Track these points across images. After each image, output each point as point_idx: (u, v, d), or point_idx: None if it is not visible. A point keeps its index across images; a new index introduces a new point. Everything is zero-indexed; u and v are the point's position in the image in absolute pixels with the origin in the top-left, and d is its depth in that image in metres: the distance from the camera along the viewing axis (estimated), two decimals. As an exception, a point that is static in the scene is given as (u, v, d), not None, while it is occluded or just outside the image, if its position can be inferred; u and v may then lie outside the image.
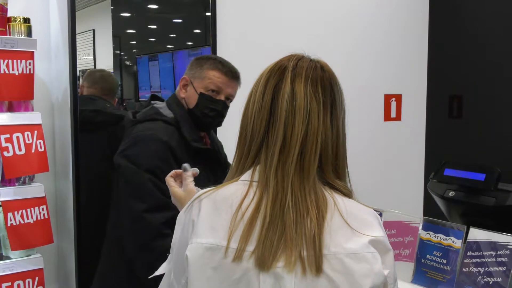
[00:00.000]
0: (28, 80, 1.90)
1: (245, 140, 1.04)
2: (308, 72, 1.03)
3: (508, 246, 1.62)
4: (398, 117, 3.65)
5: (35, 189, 1.93)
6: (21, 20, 1.94)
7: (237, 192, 1.00)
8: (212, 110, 1.85)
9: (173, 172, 1.38)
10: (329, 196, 0.99)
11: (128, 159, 1.69)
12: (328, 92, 1.02)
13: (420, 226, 1.85)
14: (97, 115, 2.34)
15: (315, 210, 0.95)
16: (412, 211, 2.03)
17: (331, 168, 1.01)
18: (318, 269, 0.92)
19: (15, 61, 1.85)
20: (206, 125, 1.90)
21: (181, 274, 1.03)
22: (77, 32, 2.22)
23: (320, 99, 1.00)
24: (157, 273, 1.13)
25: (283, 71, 1.03)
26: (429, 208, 2.98)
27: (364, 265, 0.94)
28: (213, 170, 1.81)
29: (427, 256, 1.79)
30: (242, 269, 0.95)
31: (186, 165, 1.36)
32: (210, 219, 1.00)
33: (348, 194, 1.02)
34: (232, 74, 1.91)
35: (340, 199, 0.99)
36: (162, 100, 1.95)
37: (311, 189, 0.97)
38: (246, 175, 1.03)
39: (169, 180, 1.36)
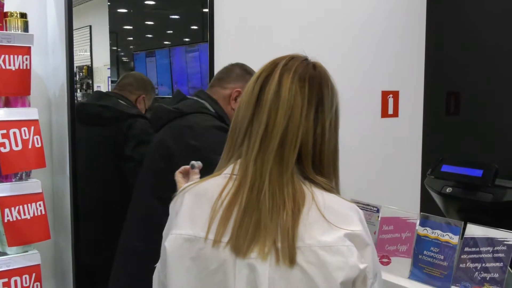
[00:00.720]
0: (24, 75, 1.89)
1: (233, 134, 1.08)
2: (297, 68, 1.05)
3: (505, 242, 1.63)
4: (396, 114, 3.66)
5: (32, 185, 1.93)
6: (18, 15, 1.93)
7: (218, 184, 1.03)
8: None
9: (182, 168, 1.40)
10: (307, 190, 1.00)
11: (205, 145, 1.69)
12: (315, 90, 1.04)
13: (418, 222, 1.85)
14: (104, 110, 2.33)
15: (292, 202, 0.97)
16: (409, 207, 2.03)
17: (312, 164, 1.03)
18: (291, 261, 0.94)
19: (11, 56, 1.84)
20: None
21: (163, 267, 1.06)
22: (73, 28, 2.21)
23: (305, 95, 1.02)
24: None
25: (274, 67, 1.06)
26: (426, 204, 2.98)
27: (338, 258, 0.95)
28: None
29: (424, 252, 1.79)
30: (219, 259, 0.98)
31: (194, 162, 1.38)
32: (190, 211, 1.03)
33: (329, 189, 1.03)
34: None
35: (319, 194, 1.01)
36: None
37: (288, 180, 0.98)
38: (228, 169, 1.05)
39: (178, 175, 1.38)
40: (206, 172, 1.35)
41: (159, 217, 1.71)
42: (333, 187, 1.05)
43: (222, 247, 0.98)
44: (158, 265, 1.11)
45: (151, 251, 1.75)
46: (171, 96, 2.85)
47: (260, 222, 0.96)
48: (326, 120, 1.04)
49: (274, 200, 0.97)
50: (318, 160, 1.04)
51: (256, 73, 1.09)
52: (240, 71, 1.98)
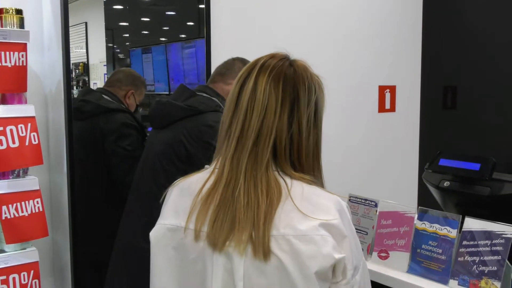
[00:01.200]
0: (21, 72, 1.88)
1: (220, 132, 1.12)
2: (273, 68, 1.07)
3: (503, 235, 1.63)
4: (393, 109, 3.66)
5: (29, 182, 1.92)
6: (13, 12, 1.91)
7: (201, 178, 1.09)
8: None
9: None
10: (283, 184, 1.03)
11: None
12: (289, 89, 1.06)
13: (416, 216, 1.85)
14: (84, 105, 2.34)
15: (266, 197, 1.00)
16: (406, 201, 2.04)
17: (289, 161, 1.06)
18: (266, 251, 0.97)
19: (7, 53, 1.83)
20: None
21: (150, 258, 1.13)
22: (69, 24, 2.20)
23: (279, 95, 1.05)
24: None
25: (253, 67, 1.10)
26: (424, 198, 2.99)
27: (311, 247, 0.97)
28: None
29: (423, 246, 1.79)
30: (199, 249, 1.03)
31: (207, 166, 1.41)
32: (174, 203, 1.10)
33: (310, 183, 1.06)
34: None
35: (299, 187, 1.03)
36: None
37: (262, 177, 1.02)
38: (212, 164, 1.11)
39: None
40: None
41: None
42: (314, 181, 1.07)
43: (201, 237, 1.03)
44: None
45: None
46: (167, 93, 2.84)
47: (236, 217, 1.00)
48: (303, 118, 1.07)
49: (249, 197, 1.00)
50: (296, 157, 1.07)
51: (238, 73, 1.13)
52: (241, 66, 1.93)
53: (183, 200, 1.09)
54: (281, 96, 1.05)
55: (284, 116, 1.05)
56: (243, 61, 1.99)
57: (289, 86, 1.07)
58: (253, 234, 0.98)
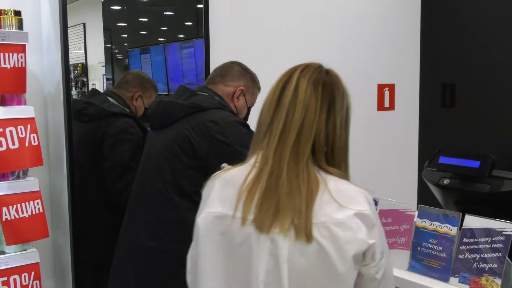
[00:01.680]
0: (20, 73, 1.88)
1: (258, 130, 1.23)
2: (312, 74, 1.21)
3: (503, 233, 1.63)
4: (392, 107, 3.66)
5: (29, 183, 1.92)
6: (12, 13, 1.92)
7: (243, 171, 1.19)
8: None
9: None
10: (321, 177, 1.15)
11: (233, 140, 1.76)
12: (327, 93, 1.20)
13: (416, 214, 1.86)
14: (88, 107, 2.32)
15: (306, 187, 1.12)
16: (406, 199, 2.04)
17: (324, 156, 1.18)
18: (308, 235, 1.09)
19: (6, 54, 1.83)
20: None
21: (195, 242, 1.25)
22: (68, 25, 2.20)
23: (319, 97, 1.18)
24: None
25: (292, 73, 1.23)
26: (423, 196, 3.00)
27: (348, 233, 1.10)
28: None
29: (423, 244, 1.80)
30: (244, 234, 1.14)
31: (224, 164, 1.47)
32: (219, 193, 1.20)
33: (341, 177, 1.18)
34: None
35: (332, 180, 1.16)
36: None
37: (304, 169, 1.13)
38: (252, 160, 1.21)
39: None
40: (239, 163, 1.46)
41: (181, 212, 1.75)
42: (343, 175, 1.20)
43: (247, 223, 1.13)
44: (192, 244, 1.27)
45: (168, 250, 1.77)
46: (166, 93, 2.84)
47: (279, 203, 1.11)
48: (337, 119, 1.20)
49: (291, 185, 1.12)
50: (330, 153, 1.19)
51: (277, 79, 1.25)
52: (240, 69, 2.04)
53: (227, 191, 1.19)
54: (321, 98, 1.18)
55: (322, 116, 1.18)
56: (240, 65, 2.06)
57: (327, 90, 1.20)
58: (295, 220, 1.09)
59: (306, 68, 1.23)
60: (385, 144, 3.59)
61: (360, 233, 1.11)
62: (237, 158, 1.65)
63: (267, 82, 2.49)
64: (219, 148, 1.76)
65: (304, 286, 1.11)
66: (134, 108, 2.46)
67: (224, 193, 1.20)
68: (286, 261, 1.10)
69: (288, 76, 1.23)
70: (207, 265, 1.20)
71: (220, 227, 1.17)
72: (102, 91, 2.60)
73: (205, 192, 1.26)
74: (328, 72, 1.25)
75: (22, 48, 1.89)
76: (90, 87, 2.66)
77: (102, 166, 2.27)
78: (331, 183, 1.15)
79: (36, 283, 1.94)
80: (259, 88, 2.10)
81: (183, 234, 1.77)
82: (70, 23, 2.21)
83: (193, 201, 1.75)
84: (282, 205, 1.11)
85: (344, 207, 1.12)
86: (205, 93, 1.94)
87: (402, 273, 1.77)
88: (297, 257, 1.10)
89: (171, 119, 1.86)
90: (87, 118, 2.30)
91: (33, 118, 1.91)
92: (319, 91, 1.19)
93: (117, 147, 2.23)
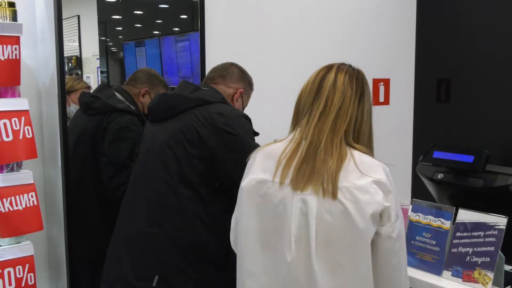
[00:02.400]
0: (14, 65, 1.87)
1: (297, 112, 1.47)
2: (348, 70, 1.46)
3: (496, 227, 1.64)
4: (387, 102, 3.67)
5: (23, 176, 1.91)
6: (6, 4, 1.90)
7: (281, 145, 1.44)
8: None
9: None
10: (349, 150, 1.38)
11: (238, 131, 1.85)
12: (360, 86, 1.45)
13: (410, 208, 1.86)
14: (94, 101, 2.32)
15: (337, 156, 1.35)
16: (400, 193, 2.03)
17: (352, 135, 1.41)
18: (334, 196, 1.31)
19: (0, 46, 1.82)
20: None
21: (238, 204, 1.49)
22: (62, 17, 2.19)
23: (353, 88, 1.43)
24: None
25: (331, 68, 1.47)
26: (418, 190, 3.01)
27: (367, 196, 1.31)
28: None
29: (417, 238, 1.81)
30: (281, 195, 1.38)
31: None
32: (261, 163, 1.45)
33: (365, 152, 1.41)
34: None
35: (357, 153, 1.38)
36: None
37: (337, 143, 1.37)
38: (290, 136, 1.45)
39: None
40: (245, 153, 1.59)
41: (183, 201, 1.80)
42: (367, 152, 1.42)
43: (284, 186, 1.37)
44: (236, 206, 1.52)
45: (168, 236, 1.80)
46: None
47: (315, 168, 1.34)
48: (365, 108, 1.45)
49: (326, 154, 1.35)
50: (356, 134, 1.43)
51: (314, 73, 1.48)
52: (239, 72, 2.14)
53: (267, 162, 1.43)
54: (355, 89, 1.43)
55: (355, 103, 1.42)
56: (239, 68, 2.15)
57: (359, 84, 1.45)
58: (324, 184, 1.32)
59: (341, 65, 1.48)
60: (380, 139, 3.56)
61: (377, 196, 1.32)
62: (242, 147, 1.81)
63: (262, 74, 2.51)
64: (225, 138, 1.81)
65: (328, 239, 1.32)
66: (141, 105, 2.45)
67: (265, 162, 1.44)
68: (314, 218, 1.32)
69: (326, 70, 1.46)
70: (248, 222, 1.44)
71: (260, 191, 1.41)
72: (110, 85, 2.59)
73: (249, 163, 1.50)
74: (358, 71, 1.49)
75: (16, 40, 1.87)
76: (85, 80, 2.65)
77: (93, 159, 2.27)
78: (356, 156, 1.37)
79: (30, 276, 1.93)
80: (252, 90, 2.21)
81: (184, 222, 1.81)
82: (64, 15, 2.20)
83: (196, 191, 1.82)
84: (316, 169, 1.34)
85: (365, 175, 1.33)
86: (208, 89, 2.01)
87: (395, 266, 1.78)
88: (324, 215, 1.31)
89: (177, 110, 1.91)
90: (92, 111, 2.31)
91: (27, 111, 1.90)
92: (354, 83, 1.44)
93: (116, 144, 2.23)
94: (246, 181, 1.46)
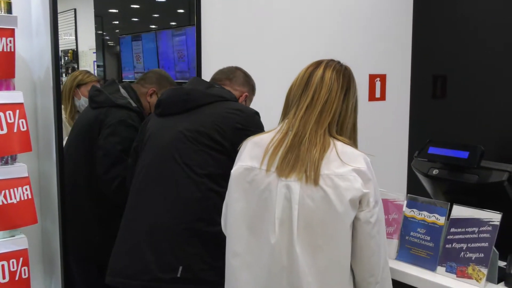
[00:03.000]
0: (9, 58, 1.86)
1: (286, 104, 1.57)
2: (336, 66, 1.55)
3: (490, 223, 1.65)
4: (383, 97, 3.67)
5: (18, 169, 1.91)
6: (1, -3, 1.89)
7: (269, 135, 1.54)
8: None
9: None
10: (332, 141, 1.47)
11: (254, 127, 1.91)
12: (346, 81, 1.54)
13: (405, 203, 1.87)
14: (98, 95, 2.34)
15: (320, 146, 1.44)
16: (396, 189, 2.05)
17: (335, 128, 1.50)
18: (315, 182, 1.41)
19: (-5, 38, 1.81)
20: None
21: (228, 189, 1.59)
22: (58, 11, 2.17)
23: (340, 83, 1.52)
24: None
25: (320, 63, 1.56)
26: (413, 186, 3.01)
27: (347, 183, 1.41)
28: None
29: (411, 233, 1.81)
30: (267, 182, 1.48)
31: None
32: (250, 151, 1.55)
33: (347, 144, 1.49)
34: None
35: (340, 144, 1.47)
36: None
37: (321, 134, 1.46)
38: (278, 127, 1.55)
39: None
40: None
41: (205, 192, 1.86)
42: (350, 143, 1.50)
43: (270, 173, 1.48)
44: (227, 192, 1.61)
45: (189, 228, 1.84)
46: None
47: (299, 157, 1.44)
48: (349, 103, 1.54)
49: (310, 144, 1.44)
50: (340, 127, 1.52)
51: (305, 67, 1.57)
52: (244, 76, 2.25)
53: (256, 150, 1.53)
54: (341, 84, 1.52)
55: (341, 97, 1.51)
56: (244, 72, 2.26)
57: (345, 80, 1.54)
58: (307, 171, 1.42)
59: (330, 62, 1.57)
60: (376, 134, 3.60)
61: (356, 183, 1.41)
62: None
63: (259, 69, 2.50)
64: (242, 133, 1.87)
65: (310, 223, 1.42)
66: (148, 105, 2.45)
67: (253, 151, 1.54)
68: (297, 203, 1.42)
69: (315, 66, 1.55)
70: (236, 206, 1.54)
71: (248, 177, 1.52)
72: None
73: (239, 151, 1.60)
74: (346, 68, 1.58)
75: (11, 32, 1.86)
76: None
77: (90, 152, 2.27)
78: (339, 146, 1.46)
79: (24, 269, 1.93)
80: (254, 94, 2.32)
81: (204, 213, 1.85)
82: (60, 8, 2.19)
83: (216, 182, 1.87)
84: (300, 158, 1.44)
85: (346, 164, 1.43)
86: (220, 87, 2.11)
87: (390, 262, 1.77)
88: (306, 200, 1.41)
89: (193, 104, 1.98)
90: (95, 105, 2.33)
91: (22, 104, 1.89)
92: (340, 79, 1.53)
93: (111, 138, 2.22)
94: (235, 168, 1.56)
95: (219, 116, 1.94)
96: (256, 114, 2.02)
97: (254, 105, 2.45)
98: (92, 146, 2.26)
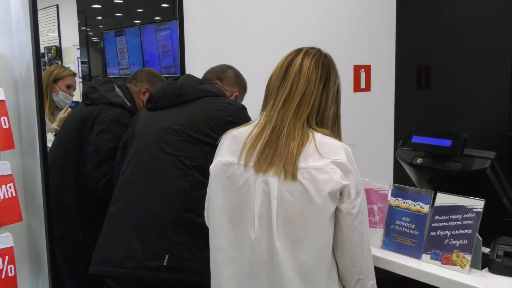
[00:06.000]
0: (-12, 55, 1.84)
1: (266, 95, 1.53)
2: (314, 55, 1.50)
3: (474, 209, 1.66)
4: (368, 88, 3.68)
5: (1, 167, 1.89)
6: (-21, -7, 1.87)
7: (248, 129, 1.51)
8: None
9: None
10: (311, 134, 1.44)
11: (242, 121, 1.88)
12: (325, 71, 1.49)
13: (389, 192, 1.88)
14: (93, 92, 2.34)
15: (298, 140, 1.41)
16: (382, 179, 2.07)
17: (315, 120, 1.47)
18: (293, 177, 1.39)
19: (-26, 35, 1.79)
20: None
21: (209, 184, 1.57)
22: (39, 7, 2.15)
23: (318, 73, 1.48)
24: None
25: (298, 53, 1.52)
26: (399, 175, 3.03)
27: (325, 176, 1.39)
28: None
29: (396, 222, 1.82)
30: (245, 177, 1.47)
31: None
32: (228, 146, 1.53)
33: (327, 135, 1.46)
34: None
35: (319, 136, 1.44)
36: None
37: (300, 127, 1.43)
38: (256, 120, 1.52)
39: None
40: None
41: (194, 183, 1.89)
42: (331, 134, 1.47)
43: (248, 168, 1.46)
44: (208, 186, 1.59)
45: (179, 216, 1.87)
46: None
47: (277, 151, 1.42)
48: (330, 93, 1.49)
49: (288, 138, 1.42)
50: (320, 118, 1.48)
51: (283, 57, 1.53)
52: (235, 75, 2.27)
53: (234, 144, 1.51)
54: (320, 74, 1.48)
55: (320, 88, 1.47)
56: (235, 71, 2.28)
57: (325, 69, 1.49)
58: (286, 166, 1.40)
59: (309, 50, 1.52)
60: (362, 125, 3.62)
61: (335, 175, 1.38)
62: None
63: (242, 62, 2.50)
64: (231, 126, 1.84)
65: (289, 217, 1.40)
66: (142, 103, 2.44)
67: (232, 146, 1.52)
68: (275, 197, 1.41)
69: (294, 55, 1.51)
70: (216, 202, 1.53)
71: (227, 172, 1.50)
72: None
73: (218, 146, 1.58)
74: (326, 55, 1.54)
75: (-10, 29, 1.84)
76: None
77: (85, 150, 2.27)
78: (318, 138, 1.43)
79: (10, 267, 1.91)
80: (246, 93, 2.33)
81: (192, 203, 1.87)
82: (42, 5, 2.17)
83: (205, 175, 1.83)
84: (278, 152, 1.41)
85: (324, 157, 1.40)
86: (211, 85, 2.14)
87: (375, 250, 1.80)
88: (285, 195, 1.40)
89: (185, 98, 2.01)
90: (89, 101, 2.34)
91: (3, 101, 1.87)
92: (319, 69, 1.48)
93: (103, 135, 2.23)
94: (214, 164, 1.55)
95: (209, 109, 1.97)
96: (244, 108, 2.04)
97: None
98: (82, 142, 2.26)
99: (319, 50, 1.55)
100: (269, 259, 1.43)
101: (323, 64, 1.50)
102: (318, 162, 1.40)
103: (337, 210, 1.42)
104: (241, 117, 1.97)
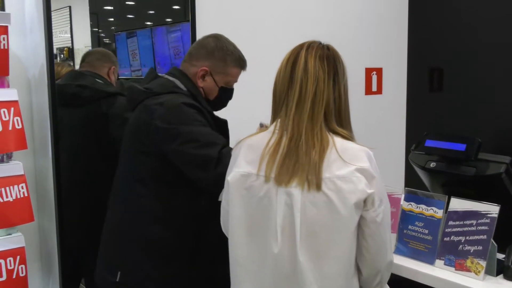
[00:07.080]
0: (2, 55, 1.85)
1: (275, 101, 1.45)
2: (317, 51, 1.42)
3: (488, 215, 1.64)
4: (379, 91, 3.66)
5: (13, 167, 1.90)
6: (-6, -6, 1.88)
7: (265, 137, 1.43)
8: (229, 100, 2.03)
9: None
10: (330, 138, 1.37)
11: (173, 122, 1.73)
12: (331, 65, 1.42)
13: (402, 197, 1.86)
14: (83, 90, 2.28)
15: (319, 146, 1.35)
16: (394, 183, 2.04)
17: (334, 119, 1.41)
18: (318, 187, 1.33)
19: (-12, 36, 1.80)
20: (218, 109, 2.02)
21: (226, 196, 1.50)
22: (52, 8, 2.16)
23: (325, 70, 1.40)
24: (219, 199, 1.58)
25: (299, 51, 1.43)
26: (411, 179, 3.01)
27: (350, 185, 1.33)
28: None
29: (409, 227, 1.81)
30: (266, 189, 1.39)
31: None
32: (245, 156, 1.45)
33: (347, 138, 1.41)
34: (246, 66, 2.05)
35: (339, 140, 1.38)
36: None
37: (318, 132, 1.36)
38: (272, 127, 1.44)
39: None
40: (191, 142, 1.68)
41: (137, 197, 1.82)
42: (350, 136, 1.43)
43: (269, 180, 1.38)
44: (224, 195, 1.53)
45: (128, 231, 1.84)
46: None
47: (298, 162, 1.35)
48: (341, 86, 1.43)
49: (308, 146, 1.35)
50: (337, 116, 1.42)
51: (284, 57, 1.45)
52: (212, 47, 1.93)
53: (251, 154, 1.43)
54: (327, 70, 1.40)
55: (330, 84, 1.40)
56: (215, 41, 1.95)
57: (331, 63, 1.42)
58: (309, 176, 1.33)
59: (310, 46, 1.44)
60: (373, 128, 3.59)
61: (360, 184, 1.34)
62: (182, 137, 1.73)
63: (255, 62, 2.48)
64: (165, 133, 1.75)
65: (313, 230, 1.35)
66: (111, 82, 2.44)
67: (248, 155, 1.44)
68: (299, 210, 1.34)
69: (295, 55, 1.43)
70: (235, 212, 1.45)
71: (245, 184, 1.43)
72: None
73: (233, 155, 1.51)
74: (328, 47, 1.46)
75: (4, 30, 1.85)
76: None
77: (105, 149, 2.25)
78: (338, 143, 1.37)
79: (21, 268, 1.92)
80: (241, 66, 2.00)
81: (139, 218, 1.82)
82: (55, 6, 2.18)
83: (148, 187, 1.80)
84: (300, 163, 1.35)
85: (348, 164, 1.34)
86: (169, 76, 1.91)
87: (388, 255, 1.78)
88: (308, 206, 1.34)
89: (133, 104, 1.87)
90: (82, 101, 2.28)
91: (16, 101, 1.88)
92: (325, 64, 1.40)
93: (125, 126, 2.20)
94: (232, 175, 1.46)
95: (145, 114, 1.78)
96: (185, 104, 1.78)
97: (248, 101, 2.43)
98: (102, 142, 2.26)
99: (320, 43, 1.47)
100: (292, 272, 1.38)
101: (328, 58, 1.43)
102: (342, 170, 1.34)
103: (360, 218, 1.38)
104: (174, 116, 1.75)
